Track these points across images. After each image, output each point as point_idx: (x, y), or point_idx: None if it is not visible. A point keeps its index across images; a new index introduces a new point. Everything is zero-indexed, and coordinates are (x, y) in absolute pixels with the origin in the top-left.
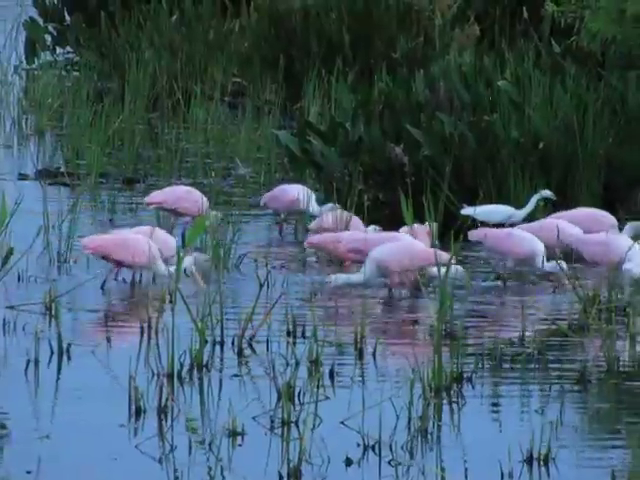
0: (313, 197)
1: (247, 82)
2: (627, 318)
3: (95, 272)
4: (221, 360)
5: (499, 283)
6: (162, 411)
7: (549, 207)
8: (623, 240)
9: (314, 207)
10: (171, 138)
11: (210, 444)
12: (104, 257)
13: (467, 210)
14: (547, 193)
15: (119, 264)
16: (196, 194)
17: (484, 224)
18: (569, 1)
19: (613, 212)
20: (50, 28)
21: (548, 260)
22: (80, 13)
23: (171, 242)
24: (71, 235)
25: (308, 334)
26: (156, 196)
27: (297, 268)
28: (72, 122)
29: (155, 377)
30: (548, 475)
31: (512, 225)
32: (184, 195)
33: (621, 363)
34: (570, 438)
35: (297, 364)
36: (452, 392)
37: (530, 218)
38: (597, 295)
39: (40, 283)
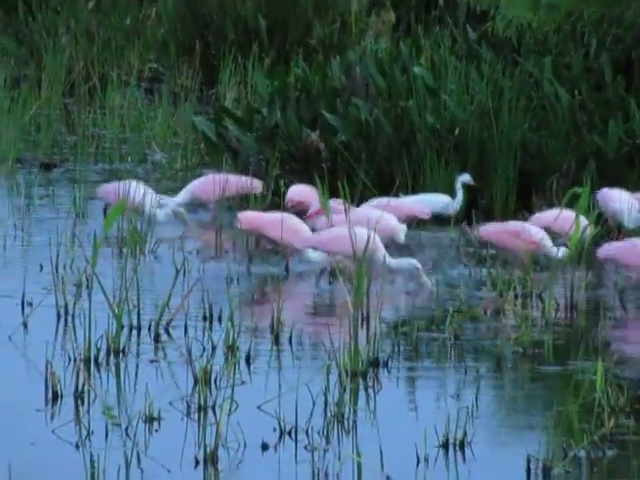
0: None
1: (163, 68)
2: (542, 303)
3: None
4: (138, 345)
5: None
6: (79, 396)
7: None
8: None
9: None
10: (87, 124)
11: (127, 429)
12: (256, 233)
13: (402, 200)
14: (466, 178)
15: (271, 242)
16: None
17: None
18: None
19: (528, 198)
20: None
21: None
22: None
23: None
24: None
25: (224, 319)
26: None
27: (213, 254)
28: None
29: (72, 362)
30: (464, 459)
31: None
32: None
33: (536, 347)
34: (486, 422)
35: (213, 349)
36: (368, 377)
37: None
38: (513, 280)
39: None
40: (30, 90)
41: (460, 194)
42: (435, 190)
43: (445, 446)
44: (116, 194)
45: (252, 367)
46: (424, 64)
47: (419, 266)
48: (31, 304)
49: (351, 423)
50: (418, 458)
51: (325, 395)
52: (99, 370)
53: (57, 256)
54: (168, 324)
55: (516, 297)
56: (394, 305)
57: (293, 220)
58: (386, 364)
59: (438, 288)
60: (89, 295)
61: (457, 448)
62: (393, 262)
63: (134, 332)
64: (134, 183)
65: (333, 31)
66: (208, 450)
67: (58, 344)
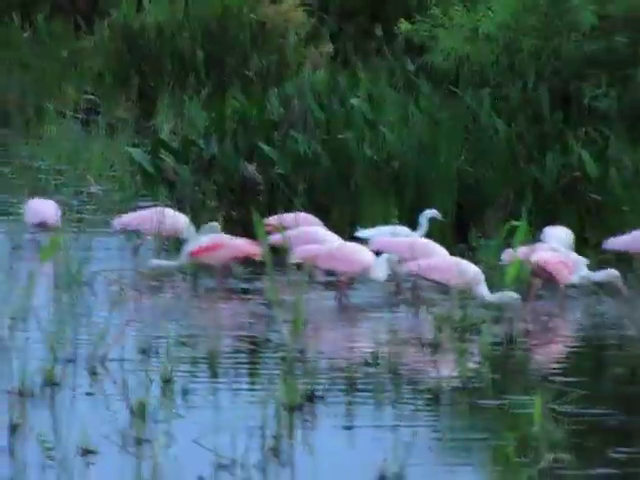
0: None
1: (100, 99)
2: (480, 336)
3: None
4: (74, 378)
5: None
6: (13, 429)
7: None
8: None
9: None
10: (23, 155)
11: (62, 462)
12: (312, 265)
13: (363, 232)
14: (433, 212)
15: (327, 272)
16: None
17: None
18: (422, 20)
19: (466, 230)
20: None
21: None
22: None
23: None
24: None
25: (161, 352)
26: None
27: (150, 286)
28: None
29: (7, 395)
30: None
31: None
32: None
33: (474, 381)
34: (423, 457)
35: (150, 382)
36: (305, 410)
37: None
38: (451, 313)
39: None
40: None
41: (425, 227)
42: (373, 223)
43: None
44: (152, 222)
45: (189, 400)
46: (362, 96)
47: (517, 296)
48: None
49: (288, 456)
50: None
51: (262, 428)
52: (35, 403)
53: None
54: (104, 357)
55: (454, 330)
56: (332, 338)
57: (349, 248)
58: (323, 397)
59: (375, 322)
60: (25, 328)
61: None
62: (492, 296)
63: (70, 365)
64: (169, 210)
65: (271, 63)
66: None
67: None
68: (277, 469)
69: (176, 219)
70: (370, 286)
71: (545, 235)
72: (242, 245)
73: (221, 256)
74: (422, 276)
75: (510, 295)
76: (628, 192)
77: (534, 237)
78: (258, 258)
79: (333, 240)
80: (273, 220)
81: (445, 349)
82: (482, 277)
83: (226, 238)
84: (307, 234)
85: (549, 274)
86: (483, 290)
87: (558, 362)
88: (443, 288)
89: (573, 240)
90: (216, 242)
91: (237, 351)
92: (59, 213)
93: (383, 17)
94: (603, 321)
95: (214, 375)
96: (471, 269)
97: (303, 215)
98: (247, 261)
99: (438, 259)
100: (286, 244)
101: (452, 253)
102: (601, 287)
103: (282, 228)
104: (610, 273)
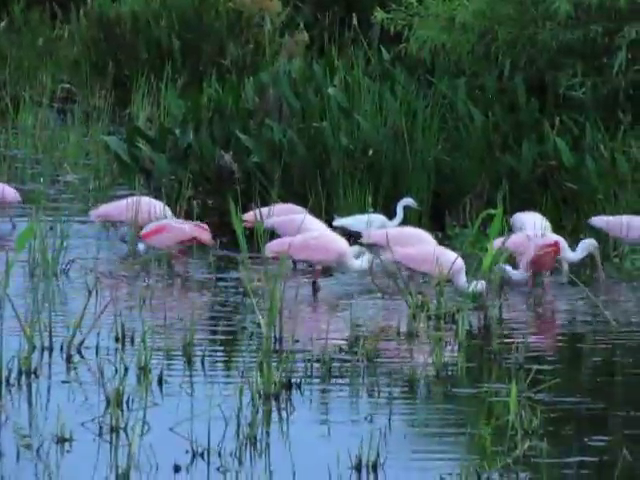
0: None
1: (76, 88)
2: (455, 325)
3: None
4: (50, 366)
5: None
6: None
7: None
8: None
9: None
10: None
11: (38, 450)
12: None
13: (339, 221)
14: (409, 201)
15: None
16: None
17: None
18: (398, 9)
19: (442, 219)
20: None
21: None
22: None
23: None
24: None
25: (137, 340)
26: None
27: (126, 274)
28: None
29: None
30: None
31: None
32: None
33: (449, 370)
34: (399, 445)
35: (126, 370)
36: (281, 399)
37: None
38: (426, 302)
39: None
40: None
41: (400, 214)
42: (349, 211)
43: (358, 468)
44: (129, 211)
45: (164, 388)
46: (338, 85)
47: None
48: None
49: (264, 445)
50: None
51: (238, 417)
52: (10, 391)
53: None
54: (80, 345)
55: (429, 318)
56: (308, 326)
57: (323, 237)
58: (299, 386)
59: (352, 311)
60: (0, 316)
61: (370, 470)
62: (470, 285)
63: (46, 353)
64: (145, 198)
65: (247, 52)
66: (120, 471)
67: None
68: (253, 457)
69: (153, 207)
70: (346, 275)
71: (515, 220)
72: (188, 229)
73: (168, 239)
74: (401, 264)
75: (486, 285)
76: (603, 181)
77: (510, 226)
78: (209, 244)
79: (318, 227)
80: (250, 215)
81: (421, 338)
82: (462, 266)
83: (173, 222)
84: (293, 222)
85: (553, 261)
86: (462, 279)
87: (534, 351)
88: (422, 276)
89: (548, 225)
90: (162, 225)
91: (213, 339)
92: (16, 193)
93: (359, 6)
94: (579, 309)
95: (190, 363)
96: (452, 258)
97: (287, 206)
98: (197, 245)
99: (417, 248)
100: (262, 232)
101: None
102: (578, 275)
103: (259, 223)
104: (590, 243)
